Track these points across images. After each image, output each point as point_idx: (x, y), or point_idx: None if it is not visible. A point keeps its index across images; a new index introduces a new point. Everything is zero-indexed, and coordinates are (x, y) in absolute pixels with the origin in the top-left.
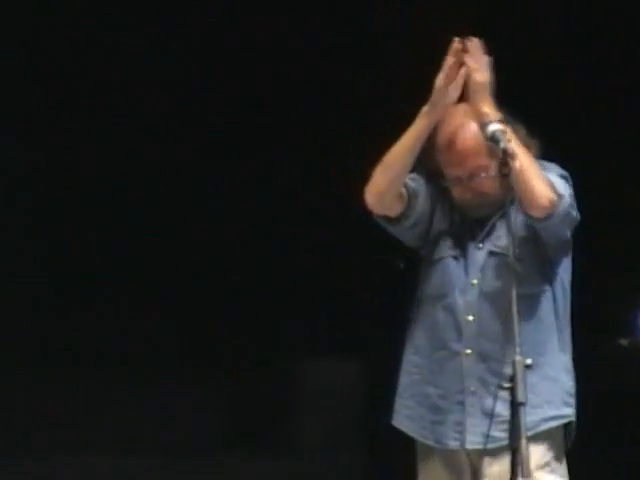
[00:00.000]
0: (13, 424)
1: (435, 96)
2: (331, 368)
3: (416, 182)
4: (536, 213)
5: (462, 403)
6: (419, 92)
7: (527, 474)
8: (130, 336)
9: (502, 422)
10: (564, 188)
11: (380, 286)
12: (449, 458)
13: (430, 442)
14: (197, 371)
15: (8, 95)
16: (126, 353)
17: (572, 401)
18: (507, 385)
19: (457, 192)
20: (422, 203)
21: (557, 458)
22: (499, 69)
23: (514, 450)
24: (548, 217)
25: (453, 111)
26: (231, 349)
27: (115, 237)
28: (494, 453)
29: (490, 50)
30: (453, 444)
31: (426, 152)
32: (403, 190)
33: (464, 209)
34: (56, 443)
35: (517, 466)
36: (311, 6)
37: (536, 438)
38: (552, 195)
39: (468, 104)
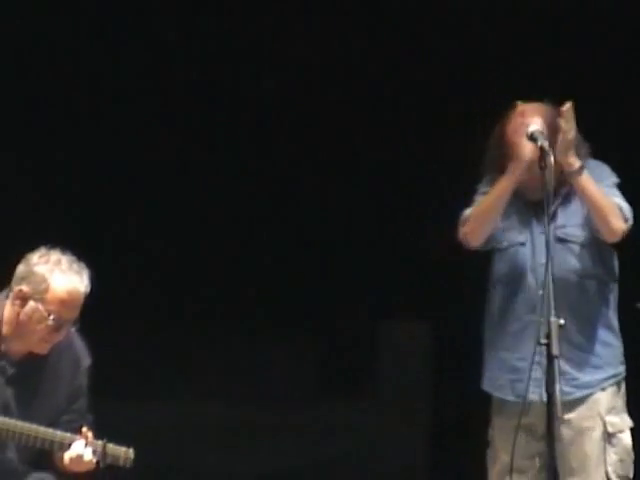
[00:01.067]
0: (122, 371)
1: (518, 161)
2: (425, 329)
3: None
4: (610, 240)
5: (540, 363)
6: None
7: (560, 414)
8: (229, 294)
9: (572, 379)
10: (628, 210)
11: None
12: (523, 411)
13: (511, 398)
14: (294, 322)
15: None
16: (223, 306)
17: (623, 360)
18: (544, 341)
19: (527, 178)
20: None
21: (619, 404)
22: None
23: (550, 394)
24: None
25: (522, 111)
26: (330, 307)
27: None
28: (566, 403)
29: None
30: (532, 397)
31: (497, 152)
32: None
33: (526, 193)
34: (162, 392)
35: (552, 408)
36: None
37: (603, 390)
38: (624, 226)
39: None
